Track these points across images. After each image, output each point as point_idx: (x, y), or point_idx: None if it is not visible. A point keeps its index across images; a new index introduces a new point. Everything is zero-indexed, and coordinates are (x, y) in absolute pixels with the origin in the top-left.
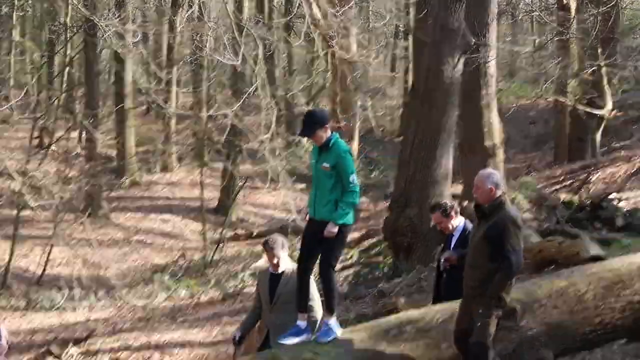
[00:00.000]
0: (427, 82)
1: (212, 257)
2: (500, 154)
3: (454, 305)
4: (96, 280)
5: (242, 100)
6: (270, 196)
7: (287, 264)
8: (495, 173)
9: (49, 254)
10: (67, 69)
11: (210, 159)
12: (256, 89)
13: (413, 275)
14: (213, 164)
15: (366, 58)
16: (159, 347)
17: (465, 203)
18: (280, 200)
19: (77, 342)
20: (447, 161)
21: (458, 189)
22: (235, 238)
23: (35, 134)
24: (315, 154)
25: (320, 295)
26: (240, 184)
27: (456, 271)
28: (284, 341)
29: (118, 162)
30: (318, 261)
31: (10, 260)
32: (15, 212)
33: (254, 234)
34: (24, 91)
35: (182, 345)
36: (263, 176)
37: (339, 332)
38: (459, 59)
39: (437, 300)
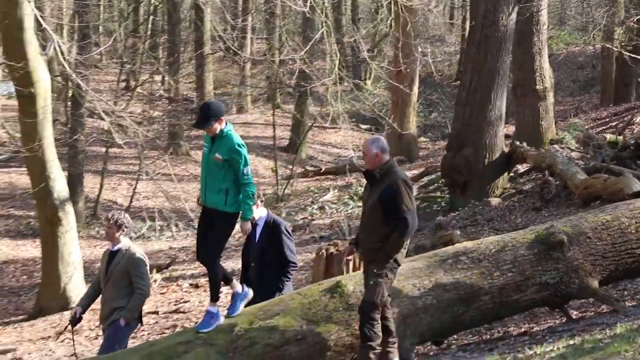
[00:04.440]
0: (483, 29)
1: (284, 191)
2: (551, 97)
3: (506, 238)
4: (177, 212)
5: (309, 46)
6: (336, 136)
7: (125, 243)
8: (380, 138)
9: (134, 187)
10: (151, 17)
11: (282, 101)
12: (323, 35)
13: (468, 209)
14: (284, 106)
15: (427, 7)
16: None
17: (517, 143)
18: (344, 140)
19: (160, 268)
20: (501, 104)
21: (511, 130)
22: (305, 174)
23: (122, 77)
24: (209, 143)
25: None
26: (309, 124)
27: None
28: (201, 329)
29: (197, 104)
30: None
31: (100, 193)
32: (104, 149)
33: (322, 170)
34: (112, 38)
35: None
36: (328, 117)
37: (221, 319)
38: (513, 8)
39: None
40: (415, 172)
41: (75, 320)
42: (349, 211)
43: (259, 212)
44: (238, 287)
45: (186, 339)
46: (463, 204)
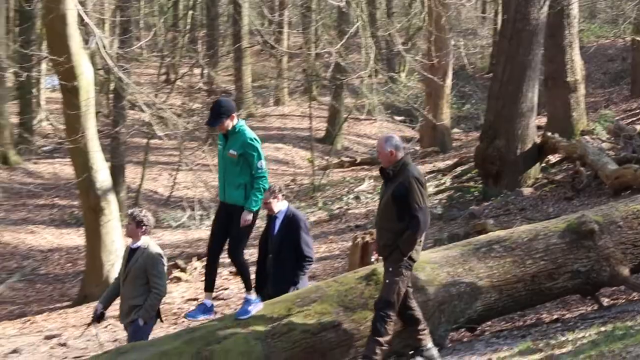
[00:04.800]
0: (515, 22)
1: (320, 181)
2: (582, 89)
3: (538, 227)
4: (216, 201)
5: (345, 40)
6: (370, 127)
7: (144, 241)
8: (393, 136)
9: (174, 178)
10: (191, 12)
11: (318, 93)
12: (358, 29)
13: (500, 199)
14: (320, 98)
15: (459, 1)
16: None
17: (548, 134)
18: (379, 131)
19: (200, 257)
20: (533, 95)
21: (543, 121)
22: (340, 165)
23: (163, 70)
24: (222, 140)
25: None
26: (345, 116)
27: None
28: (191, 318)
29: (235, 96)
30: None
31: (141, 183)
32: (145, 140)
33: (357, 161)
34: (152, 32)
35: None
36: (363, 109)
37: (259, 306)
38: (544, 2)
39: (261, 285)
40: (449, 162)
41: (97, 317)
42: None
43: (280, 206)
44: (254, 294)
45: (225, 325)
46: (496, 194)
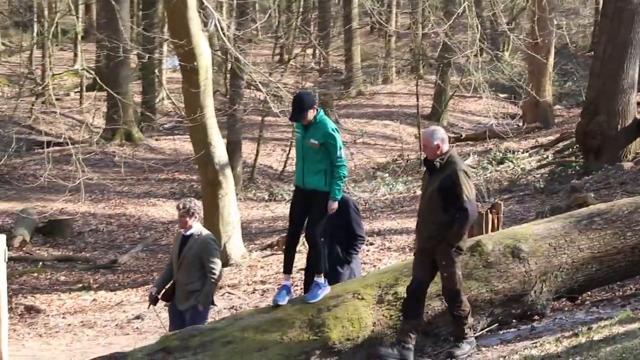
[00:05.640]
0: (616, 2)
1: None
2: None
3: (638, 200)
4: None
5: (452, 20)
6: (475, 104)
7: (197, 228)
8: (439, 129)
9: (287, 153)
10: None
11: (425, 71)
12: (464, 10)
13: (601, 173)
14: (427, 76)
15: None
16: (380, 233)
17: None
18: (483, 108)
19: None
20: (634, 72)
21: None
22: None
23: (277, 51)
24: (302, 130)
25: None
26: (450, 93)
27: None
28: (310, 300)
29: (346, 75)
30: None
31: (256, 158)
32: (260, 118)
33: (462, 136)
34: (267, 15)
35: (400, 232)
36: (469, 87)
37: (327, 289)
38: None
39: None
40: (551, 138)
41: (152, 300)
42: (488, 175)
43: None
44: (323, 277)
45: (336, 294)
46: (596, 168)
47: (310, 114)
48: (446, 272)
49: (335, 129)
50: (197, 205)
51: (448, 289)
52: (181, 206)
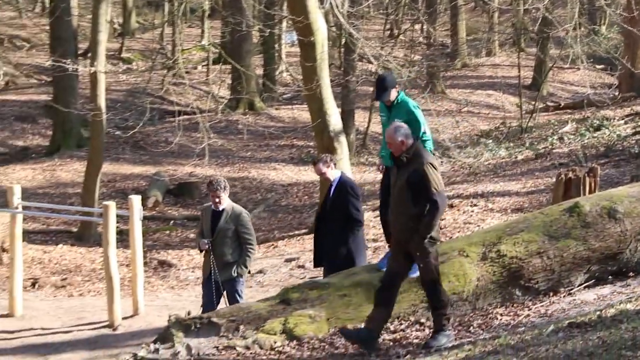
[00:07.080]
0: None
1: (527, 124)
2: None
3: None
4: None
5: None
6: (573, 75)
7: (227, 202)
8: (402, 126)
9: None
10: None
11: (526, 45)
12: None
13: None
14: (528, 49)
15: None
16: (484, 195)
17: None
18: (581, 79)
19: None
20: None
21: None
22: (545, 109)
23: (387, 26)
24: (385, 111)
25: None
26: (550, 65)
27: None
28: (382, 267)
29: (452, 48)
30: None
31: (368, 126)
32: (371, 88)
33: (561, 105)
34: None
35: (502, 194)
36: (567, 59)
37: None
38: None
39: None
40: None
41: (206, 247)
42: (585, 141)
43: (334, 174)
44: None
45: (443, 251)
46: None
47: (393, 94)
48: (421, 262)
49: (417, 106)
50: (224, 181)
51: (425, 280)
52: (214, 183)
